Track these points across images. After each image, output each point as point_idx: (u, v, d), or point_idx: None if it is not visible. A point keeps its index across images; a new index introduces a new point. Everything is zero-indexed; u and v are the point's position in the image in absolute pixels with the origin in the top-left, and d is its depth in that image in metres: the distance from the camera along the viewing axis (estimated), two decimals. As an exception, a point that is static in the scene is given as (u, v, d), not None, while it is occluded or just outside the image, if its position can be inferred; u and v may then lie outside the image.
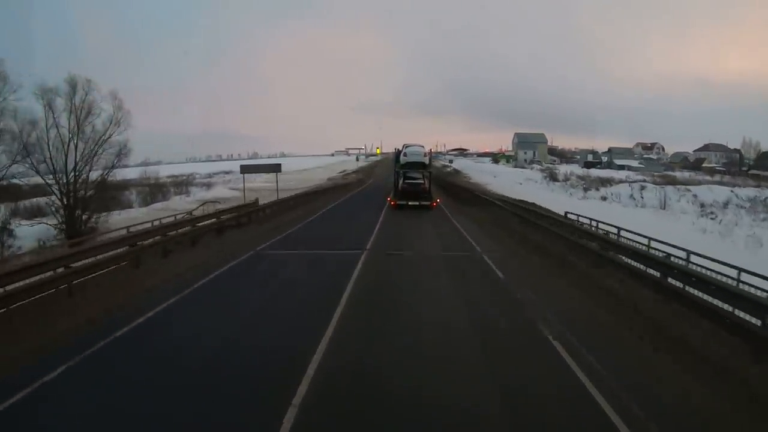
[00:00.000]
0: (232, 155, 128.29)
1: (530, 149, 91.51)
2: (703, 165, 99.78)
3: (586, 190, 38.56)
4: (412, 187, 21.12)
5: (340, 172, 56.05)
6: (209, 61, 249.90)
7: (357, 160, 61.96)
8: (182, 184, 43.33)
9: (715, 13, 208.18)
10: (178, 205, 32.40)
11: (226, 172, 71.44)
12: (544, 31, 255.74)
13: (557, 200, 31.37)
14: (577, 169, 67.91)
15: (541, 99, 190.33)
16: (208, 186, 45.27)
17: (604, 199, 35.25)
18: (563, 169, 68.47)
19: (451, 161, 59.13)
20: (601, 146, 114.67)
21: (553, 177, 49.70)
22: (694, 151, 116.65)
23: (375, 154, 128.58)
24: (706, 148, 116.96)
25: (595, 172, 60.68)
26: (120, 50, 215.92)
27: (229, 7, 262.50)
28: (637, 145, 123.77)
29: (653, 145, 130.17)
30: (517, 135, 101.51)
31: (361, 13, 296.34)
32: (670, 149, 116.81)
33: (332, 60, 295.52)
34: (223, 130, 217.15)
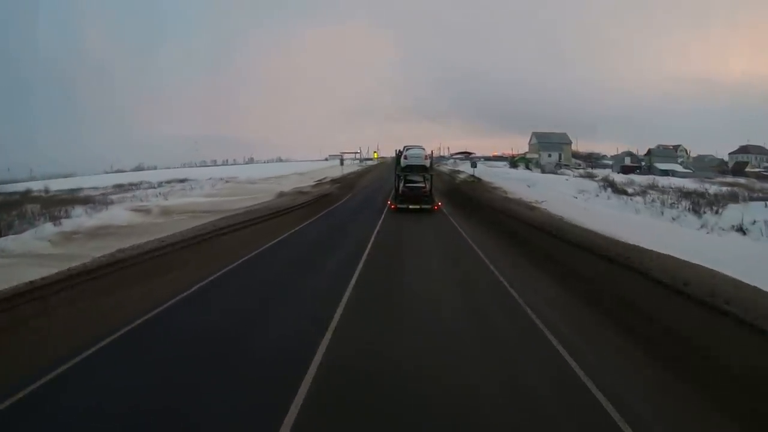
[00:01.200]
0: (227, 160, 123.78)
1: (553, 151, 76.94)
2: (747, 169, 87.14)
3: (695, 212, 23.64)
4: (413, 191, 20.43)
5: (317, 181, 41.30)
6: (209, 65, 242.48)
7: (341, 164, 47.12)
8: (70, 203, 28.52)
9: (718, 14, 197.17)
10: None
11: (181, 180, 57.43)
12: (546, 34, 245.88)
13: (679, 238, 16.90)
14: (616, 175, 53.72)
15: (545, 102, 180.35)
16: (109, 204, 30.33)
17: (742, 232, 20.40)
18: (602, 174, 54.11)
19: (474, 165, 44.30)
20: (607, 149, 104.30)
21: (615, 188, 34.89)
22: (731, 153, 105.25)
23: (371, 158, 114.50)
24: (745, 150, 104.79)
25: (639, 179, 46.22)
26: (119, 52, 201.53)
27: (229, 14, 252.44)
28: (658, 147, 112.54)
29: (676, 147, 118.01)
30: (535, 135, 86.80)
31: (362, 16, 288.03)
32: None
33: (332, 64, 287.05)
34: (222, 135, 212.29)
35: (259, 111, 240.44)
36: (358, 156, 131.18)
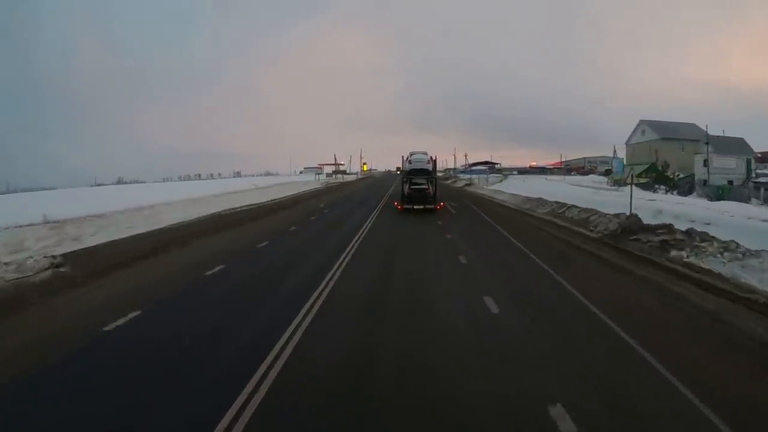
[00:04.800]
0: (212, 174, 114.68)
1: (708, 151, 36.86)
2: None
3: None
4: (417, 192, 22.03)
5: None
6: (198, 79, 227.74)
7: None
8: None
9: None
10: None
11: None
12: (554, 41, 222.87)
13: None
14: None
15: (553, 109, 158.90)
16: None
17: None
18: None
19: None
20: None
21: None
22: None
23: (343, 172, 75.17)
24: None
25: None
26: (110, 66, 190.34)
27: (217, 25, 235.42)
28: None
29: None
30: (651, 126, 46.86)
31: (360, 23, 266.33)
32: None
33: (325, 76, 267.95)
34: (211, 149, 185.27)
35: (255, 125, 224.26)
36: (342, 167, 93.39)
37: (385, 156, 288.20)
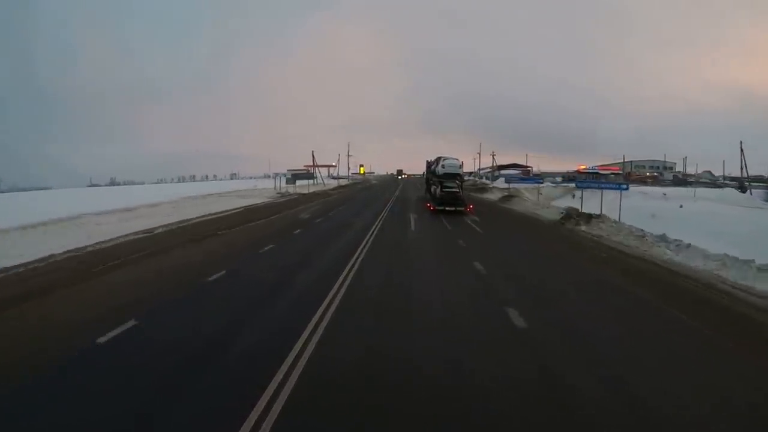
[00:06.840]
0: (207, 176, 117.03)
1: None
2: None
3: None
4: (449, 195, 22.83)
5: None
6: (198, 80, 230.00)
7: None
8: None
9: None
10: None
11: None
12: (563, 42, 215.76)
13: None
14: None
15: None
16: None
17: None
18: None
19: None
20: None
21: None
22: None
23: (310, 178, 53.06)
24: None
25: None
26: (109, 67, 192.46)
27: (219, 23, 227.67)
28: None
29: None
30: None
31: (364, 22, 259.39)
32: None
33: (329, 77, 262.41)
34: (210, 150, 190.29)
35: (258, 126, 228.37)
36: (335, 170, 71.71)
37: (387, 158, 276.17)
